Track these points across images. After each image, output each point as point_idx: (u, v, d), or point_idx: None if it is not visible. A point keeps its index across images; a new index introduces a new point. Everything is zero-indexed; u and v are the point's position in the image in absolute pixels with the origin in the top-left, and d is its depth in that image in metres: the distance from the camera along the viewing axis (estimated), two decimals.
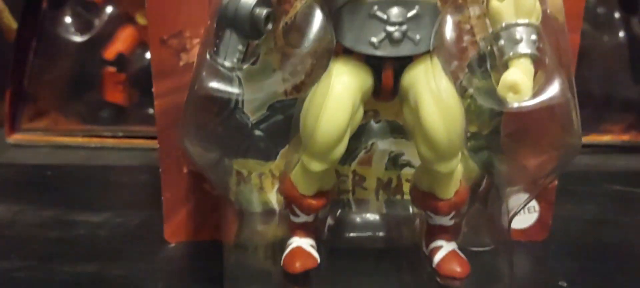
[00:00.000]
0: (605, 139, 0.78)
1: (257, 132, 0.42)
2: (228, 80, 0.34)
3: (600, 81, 0.78)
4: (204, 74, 0.34)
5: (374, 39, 0.33)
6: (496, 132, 0.43)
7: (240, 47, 0.34)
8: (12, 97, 0.78)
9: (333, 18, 0.35)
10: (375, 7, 0.33)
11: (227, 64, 0.34)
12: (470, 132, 0.43)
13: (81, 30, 0.78)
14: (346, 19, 0.34)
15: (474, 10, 0.41)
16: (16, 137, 0.79)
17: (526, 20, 0.34)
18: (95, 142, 0.78)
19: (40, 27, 0.78)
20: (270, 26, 0.34)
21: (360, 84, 0.35)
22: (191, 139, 0.37)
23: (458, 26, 0.40)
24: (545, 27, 0.35)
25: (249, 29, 0.34)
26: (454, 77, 0.39)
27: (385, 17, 0.33)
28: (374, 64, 0.35)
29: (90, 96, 0.80)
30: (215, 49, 0.34)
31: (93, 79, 0.79)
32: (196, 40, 0.42)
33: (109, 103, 0.80)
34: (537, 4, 0.34)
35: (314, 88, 0.36)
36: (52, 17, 0.78)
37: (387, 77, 0.34)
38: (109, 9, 0.79)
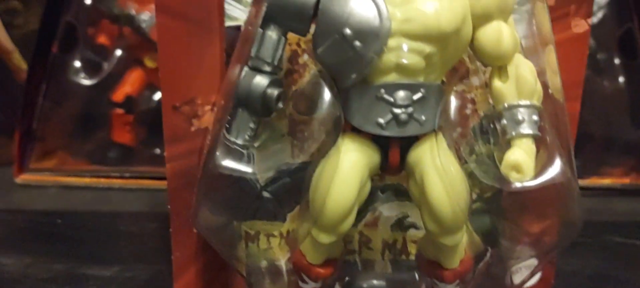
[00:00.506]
0: (606, 182, 0.79)
1: (266, 194, 0.43)
2: (240, 157, 0.35)
3: (601, 124, 0.79)
4: (217, 153, 0.35)
5: (381, 120, 0.34)
6: (499, 195, 0.44)
7: (251, 124, 0.36)
8: (21, 138, 0.80)
9: (341, 96, 0.36)
10: (382, 90, 0.34)
11: (239, 141, 0.35)
12: (476, 195, 0.44)
13: (90, 74, 0.80)
14: (354, 99, 0.35)
15: (476, 80, 0.42)
16: (24, 177, 0.80)
17: (528, 102, 0.35)
18: (103, 182, 0.79)
19: (50, 70, 0.79)
20: (280, 105, 0.36)
21: (367, 160, 0.36)
22: (204, 212, 0.38)
23: (461, 95, 0.42)
24: (546, 106, 0.36)
25: (261, 108, 0.35)
26: (457, 142, 0.41)
27: (392, 99, 0.34)
28: (381, 142, 0.36)
29: (99, 137, 0.81)
30: (227, 126, 0.36)
31: (101, 120, 0.81)
32: (207, 107, 0.43)
33: (117, 143, 0.81)
34: (538, 85, 0.36)
35: (322, 162, 0.37)
36: (62, 60, 0.79)
37: (393, 154, 0.36)
38: (118, 52, 0.80)
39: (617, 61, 0.78)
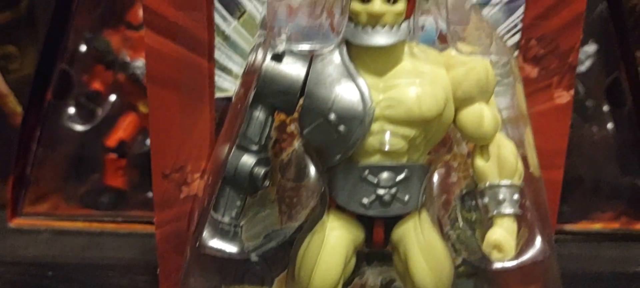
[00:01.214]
0: (596, 226, 0.79)
1: (253, 258, 0.44)
2: (226, 236, 0.36)
3: (590, 170, 0.80)
4: (204, 233, 0.36)
5: (366, 201, 0.35)
6: (485, 259, 0.45)
7: (238, 202, 0.36)
8: (15, 182, 0.80)
9: (327, 173, 0.37)
10: (367, 171, 0.35)
11: (226, 219, 0.36)
12: (463, 259, 0.44)
13: (84, 119, 0.80)
14: (339, 178, 0.36)
15: (459, 149, 0.43)
16: (18, 222, 0.80)
17: (509, 182, 0.36)
18: (95, 227, 0.79)
19: (45, 116, 0.80)
20: (267, 183, 0.37)
21: (352, 237, 0.37)
22: (193, 276, 0.39)
23: (447, 163, 0.43)
24: (527, 185, 0.37)
25: (248, 186, 0.36)
26: (444, 209, 0.41)
27: (375, 181, 0.35)
28: (365, 220, 0.37)
29: (92, 181, 0.82)
30: (215, 203, 0.36)
31: (94, 164, 0.81)
32: (197, 174, 0.44)
33: (110, 187, 0.82)
34: (520, 164, 0.36)
35: (308, 237, 0.38)
36: (56, 107, 0.80)
37: (377, 233, 0.36)
38: (113, 98, 0.81)
39: (605, 108, 0.80)
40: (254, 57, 0.36)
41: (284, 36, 0.35)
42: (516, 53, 0.42)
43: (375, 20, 0.33)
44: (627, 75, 0.76)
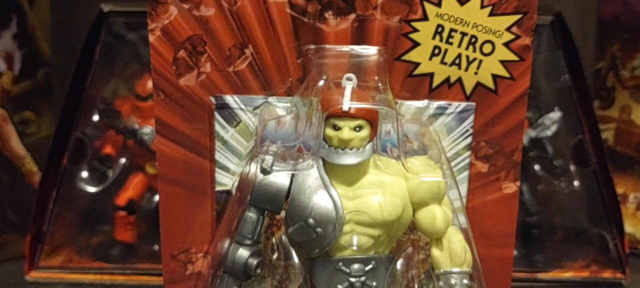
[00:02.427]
0: (567, 275, 0.86)
1: None
2: None
3: (561, 222, 0.87)
4: None
5: (340, 287, 0.43)
6: None
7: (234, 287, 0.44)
8: (32, 239, 0.87)
9: (308, 263, 0.45)
10: (340, 263, 0.43)
11: None
12: None
13: (96, 181, 0.88)
14: (318, 269, 0.44)
15: None
16: (34, 275, 0.87)
17: (459, 269, 0.44)
18: (106, 279, 0.86)
19: (61, 179, 0.87)
20: (259, 271, 0.44)
21: None
22: None
23: (414, 243, 0.50)
24: (476, 270, 0.44)
25: (243, 274, 0.43)
26: (412, 280, 0.49)
27: (348, 271, 0.43)
28: None
29: (102, 236, 0.89)
30: None
31: (105, 221, 0.88)
32: (200, 255, 0.51)
33: (119, 241, 0.89)
34: (468, 254, 0.44)
35: None
36: (71, 171, 0.87)
37: None
38: (122, 160, 0.89)
39: (572, 167, 0.87)
40: (247, 169, 0.44)
41: (270, 155, 0.43)
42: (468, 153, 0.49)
43: (344, 144, 0.41)
44: (590, 138, 0.83)
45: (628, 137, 0.95)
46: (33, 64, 0.92)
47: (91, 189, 0.90)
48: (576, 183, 0.89)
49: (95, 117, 0.88)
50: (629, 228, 0.96)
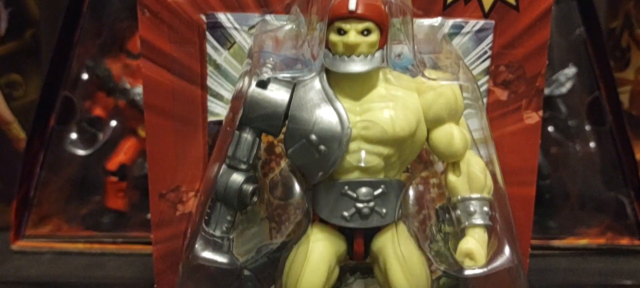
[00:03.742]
0: (583, 242, 0.82)
1: (246, 272, 0.47)
2: (218, 248, 0.39)
3: (576, 186, 0.83)
4: (197, 245, 0.38)
5: (346, 214, 0.38)
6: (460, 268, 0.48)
7: (228, 217, 0.39)
8: (18, 206, 0.83)
9: (311, 190, 0.40)
10: (346, 187, 0.38)
11: (217, 233, 0.39)
12: (442, 270, 0.47)
13: (86, 145, 0.84)
14: (322, 195, 0.39)
15: (439, 166, 0.46)
16: (21, 244, 0.82)
17: (479, 195, 0.39)
18: (96, 248, 0.82)
19: (48, 142, 0.83)
20: (255, 199, 0.39)
21: (335, 249, 0.39)
22: None
23: (426, 180, 0.46)
24: (497, 198, 0.40)
25: (237, 202, 0.39)
26: (423, 223, 0.44)
27: (355, 195, 0.38)
28: (346, 232, 0.40)
29: (93, 203, 0.84)
30: (206, 218, 0.39)
31: (96, 187, 0.84)
32: (191, 193, 0.47)
33: (110, 209, 0.84)
34: (489, 179, 0.39)
35: (294, 249, 0.40)
36: (59, 132, 0.83)
37: (358, 244, 0.39)
38: (113, 123, 0.85)
39: (587, 127, 0.83)
40: (241, 84, 0.40)
41: (269, 65, 0.38)
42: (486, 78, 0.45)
43: (351, 50, 0.37)
44: (606, 96, 0.79)
45: None
46: (20, 24, 0.87)
47: (80, 152, 0.85)
48: (592, 144, 0.84)
49: (85, 76, 0.84)
50: None
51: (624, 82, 0.91)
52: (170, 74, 0.44)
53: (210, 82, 0.45)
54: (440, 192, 0.46)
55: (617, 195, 0.80)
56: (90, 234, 0.83)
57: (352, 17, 0.36)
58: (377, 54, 0.37)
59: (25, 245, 0.83)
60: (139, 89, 0.84)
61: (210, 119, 0.45)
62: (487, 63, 0.45)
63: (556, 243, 0.80)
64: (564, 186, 0.82)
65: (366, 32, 0.36)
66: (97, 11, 0.79)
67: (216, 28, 0.44)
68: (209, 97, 0.45)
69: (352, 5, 0.36)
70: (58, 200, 0.85)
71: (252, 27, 0.44)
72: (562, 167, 0.82)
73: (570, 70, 0.80)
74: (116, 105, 0.84)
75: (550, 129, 0.82)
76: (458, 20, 0.44)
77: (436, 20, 0.44)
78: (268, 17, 0.43)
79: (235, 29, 0.44)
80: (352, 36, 0.36)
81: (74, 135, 0.85)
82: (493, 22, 0.44)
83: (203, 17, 0.44)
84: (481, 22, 0.44)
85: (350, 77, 0.37)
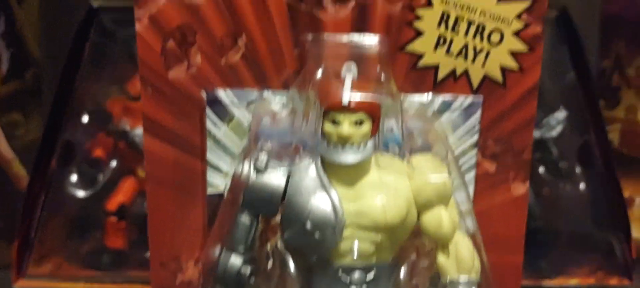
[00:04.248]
0: (573, 282, 0.83)
1: None
2: None
3: (566, 226, 0.85)
4: None
5: None
6: None
7: None
8: (19, 245, 0.84)
9: (305, 272, 0.41)
10: (340, 271, 0.40)
11: None
12: None
13: (86, 186, 0.85)
14: (316, 277, 0.41)
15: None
16: (22, 283, 0.84)
17: (466, 278, 0.41)
18: (96, 287, 0.83)
19: (49, 184, 0.84)
20: (252, 280, 0.41)
21: None
22: None
23: (417, 249, 0.47)
24: (485, 278, 0.42)
25: (235, 284, 0.40)
26: None
27: (348, 280, 0.40)
28: None
29: (93, 243, 0.86)
30: None
31: (96, 227, 0.85)
32: (190, 262, 0.48)
33: (110, 249, 0.86)
34: (476, 261, 0.41)
35: None
36: (60, 174, 0.84)
37: None
38: (113, 163, 0.86)
39: (578, 169, 0.84)
40: (240, 168, 0.41)
41: (265, 154, 0.40)
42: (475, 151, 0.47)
43: (344, 141, 0.38)
44: (596, 139, 0.80)
45: (634, 138, 0.93)
46: (21, 64, 0.89)
47: (81, 193, 0.86)
48: (582, 186, 0.86)
49: (85, 118, 0.85)
50: (635, 233, 0.93)
51: (614, 120, 0.93)
52: (172, 147, 0.46)
53: (209, 155, 0.46)
54: (430, 261, 0.47)
55: (606, 236, 0.82)
56: (90, 274, 0.84)
57: (346, 109, 0.38)
58: (370, 143, 0.39)
59: (27, 284, 0.84)
60: (138, 130, 0.85)
61: (210, 190, 0.47)
62: (476, 137, 0.46)
63: (547, 283, 0.81)
64: (555, 226, 0.84)
65: (359, 122, 0.38)
66: (98, 56, 0.80)
67: (216, 103, 0.45)
68: (209, 169, 0.46)
69: (345, 99, 0.38)
70: (59, 239, 0.86)
71: (251, 102, 0.45)
72: (553, 207, 0.84)
73: (561, 114, 0.82)
74: (116, 146, 0.86)
75: (541, 170, 0.84)
76: (447, 96, 0.45)
77: (427, 97, 0.45)
78: (266, 93, 0.45)
79: (234, 104, 0.45)
80: (346, 128, 0.38)
81: (74, 177, 0.86)
82: (481, 98, 0.45)
83: (203, 93, 0.45)
84: (470, 98, 0.45)
85: (343, 166, 0.39)
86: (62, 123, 0.84)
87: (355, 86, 0.38)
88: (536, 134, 0.83)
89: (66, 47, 0.79)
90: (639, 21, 0.88)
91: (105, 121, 0.84)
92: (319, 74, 0.41)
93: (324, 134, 0.39)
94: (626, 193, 0.92)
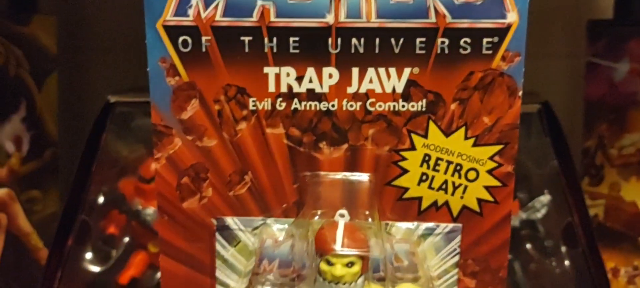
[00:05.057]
0: None
1: None
2: None
3: None
4: None
5: None
6: None
7: None
8: None
9: None
10: None
11: None
12: None
13: (100, 261, 0.91)
14: None
15: None
16: None
17: None
18: None
19: (66, 260, 0.90)
20: None
21: None
22: None
23: None
24: None
25: None
26: None
27: None
28: None
29: None
30: None
31: None
32: None
33: None
34: None
35: None
36: (76, 252, 0.90)
37: None
38: (126, 239, 0.91)
39: (562, 249, 0.89)
40: None
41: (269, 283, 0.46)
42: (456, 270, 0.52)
43: (337, 279, 0.44)
44: (579, 220, 0.85)
45: (618, 213, 0.98)
46: (40, 144, 0.95)
47: (95, 269, 0.92)
48: (567, 263, 0.91)
49: (101, 199, 0.91)
50: None
51: (598, 196, 0.99)
52: (185, 266, 0.52)
53: (218, 273, 0.52)
54: None
55: None
56: None
57: (338, 254, 0.44)
58: (360, 280, 0.45)
59: None
60: (149, 210, 0.91)
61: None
62: (457, 258, 0.52)
63: None
64: None
65: (350, 264, 0.44)
66: (113, 143, 0.86)
67: (224, 229, 0.51)
68: (217, 286, 0.52)
69: (338, 246, 0.43)
70: None
71: (255, 228, 0.51)
72: (540, 282, 0.88)
73: (545, 198, 0.87)
74: (129, 223, 0.91)
75: (529, 246, 0.89)
76: (430, 224, 0.51)
77: (412, 224, 0.51)
78: (269, 220, 0.51)
79: (241, 230, 0.51)
80: (338, 269, 0.44)
81: (89, 255, 0.92)
82: (461, 225, 0.51)
83: (213, 221, 0.51)
84: (450, 226, 0.51)
85: None
86: (79, 204, 0.90)
87: (347, 231, 0.44)
88: (523, 215, 0.89)
89: (81, 128, 0.85)
90: (619, 104, 0.94)
91: (119, 201, 0.90)
92: (316, 217, 0.47)
93: (320, 272, 0.45)
94: (611, 265, 0.97)
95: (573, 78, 1.04)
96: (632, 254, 0.98)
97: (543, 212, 0.88)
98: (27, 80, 0.91)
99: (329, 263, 0.44)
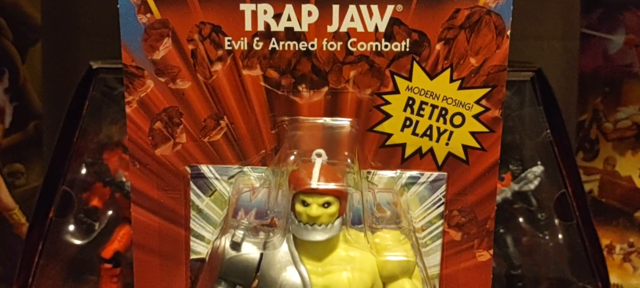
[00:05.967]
0: None
1: None
2: None
3: (546, 275, 0.87)
4: None
5: None
6: None
7: None
8: None
9: None
10: None
11: None
12: None
13: (82, 235, 0.89)
14: None
15: None
16: None
17: None
18: None
19: (47, 233, 0.88)
20: None
21: None
22: None
23: None
24: None
25: None
26: None
27: None
28: None
29: None
30: None
31: (91, 274, 0.89)
32: None
33: None
34: None
35: None
36: (57, 224, 0.88)
37: None
38: (109, 212, 0.89)
39: (556, 221, 0.88)
40: (219, 242, 0.45)
41: (241, 230, 0.43)
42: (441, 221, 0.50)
43: (313, 220, 0.42)
44: (573, 192, 0.83)
45: (613, 188, 0.96)
46: (24, 116, 0.93)
47: (77, 242, 0.90)
48: (560, 236, 0.89)
49: (83, 171, 0.89)
50: (616, 279, 0.96)
51: (593, 171, 0.97)
52: (158, 217, 0.50)
53: (193, 225, 0.50)
54: None
55: (585, 285, 0.85)
56: None
57: (314, 192, 0.42)
58: (337, 222, 0.43)
59: None
60: None
61: (193, 256, 0.50)
62: (442, 208, 0.50)
63: None
64: (534, 274, 0.86)
65: (326, 204, 0.42)
66: (96, 112, 0.84)
67: (199, 178, 0.49)
68: (192, 238, 0.50)
69: (313, 183, 0.41)
70: (56, 285, 0.89)
71: (232, 176, 0.49)
72: (533, 256, 0.87)
73: (538, 169, 0.85)
74: (112, 196, 0.89)
75: (521, 220, 0.87)
76: (414, 172, 0.49)
77: (395, 172, 0.49)
78: (246, 168, 0.49)
79: (216, 178, 0.49)
80: (314, 209, 0.42)
81: (71, 227, 0.90)
82: (446, 173, 0.49)
83: (187, 169, 0.49)
84: (435, 174, 0.49)
85: (313, 243, 0.42)
86: (60, 175, 0.88)
87: (324, 171, 0.42)
88: (515, 186, 0.87)
89: (66, 98, 0.83)
90: (614, 77, 0.92)
91: (103, 173, 0.88)
92: (292, 157, 0.45)
93: (295, 213, 0.43)
94: (606, 241, 0.95)
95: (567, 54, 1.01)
96: (628, 230, 0.96)
97: (536, 183, 0.86)
98: (10, 50, 0.90)
99: (304, 204, 0.42)
